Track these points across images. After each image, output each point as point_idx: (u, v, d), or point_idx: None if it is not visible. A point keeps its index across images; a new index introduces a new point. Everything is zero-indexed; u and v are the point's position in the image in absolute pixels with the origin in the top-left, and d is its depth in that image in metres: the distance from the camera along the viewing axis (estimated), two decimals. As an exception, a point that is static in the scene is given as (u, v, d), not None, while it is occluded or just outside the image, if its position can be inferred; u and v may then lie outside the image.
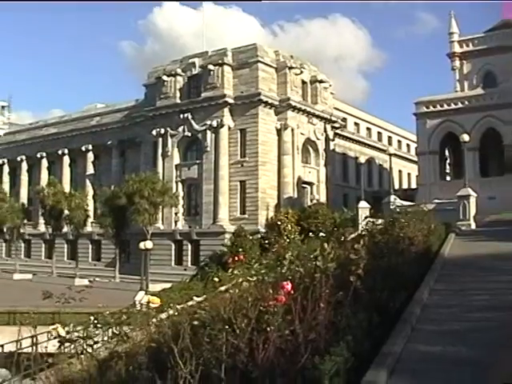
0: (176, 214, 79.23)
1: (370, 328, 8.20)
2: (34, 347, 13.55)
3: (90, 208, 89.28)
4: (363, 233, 12.36)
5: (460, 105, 66.46)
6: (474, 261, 21.34)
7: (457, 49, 73.32)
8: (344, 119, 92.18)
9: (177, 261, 78.15)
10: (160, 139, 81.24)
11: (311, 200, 77.63)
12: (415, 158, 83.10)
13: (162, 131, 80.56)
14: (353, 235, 13.38)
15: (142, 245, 62.56)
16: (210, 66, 76.68)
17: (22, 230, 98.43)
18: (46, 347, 12.55)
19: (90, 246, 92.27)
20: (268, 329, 6.99)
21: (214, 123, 75.56)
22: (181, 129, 79.35)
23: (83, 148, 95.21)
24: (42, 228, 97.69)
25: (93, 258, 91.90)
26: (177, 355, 6.90)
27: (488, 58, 70.70)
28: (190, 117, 78.05)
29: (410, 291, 12.36)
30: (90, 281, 73.71)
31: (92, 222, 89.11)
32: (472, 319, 11.33)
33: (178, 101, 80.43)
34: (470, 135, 55.89)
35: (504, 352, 8.73)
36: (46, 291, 9.01)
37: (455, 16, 74.70)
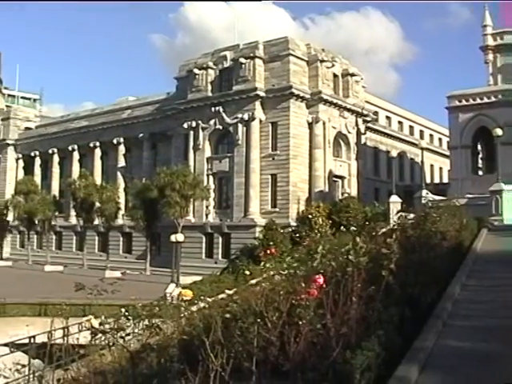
0: (207, 206, 79.35)
1: (402, 323, 8.17)
2: (66, 338, 13.59)
3: (122, 200, 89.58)
4: (395, 227, 12.27)
5: (493, 99, 65.82)
6: (507, 256, 21.12)
7: (490, 42, 72.30)
8: (375, 113, 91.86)
9: (207, 254, 78.26)
10: (191, 132, 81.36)
11: (342, 194, 77.46)
12: (447, 152, 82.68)
13: (194, 124, 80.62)
14: (384, 229, 13.29)
15: (173, 237, 62.63)
16: (242, 59, 76.67)
17: (53, 223, 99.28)
18: (77, 338, 12.64)
19: (121, 239, 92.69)
20: (300, 322, 6.98)
21: (246, 116, 75.58)
22: (212, 122, 79.42)
23: (115, 141, 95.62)
24: (73, 220, 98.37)
25: (124, 251, 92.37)
26: (208, 348, 6.91)
27: (522, 51, 70.00)
28: (221, 110, 78.09)
29: (442, 286, 12.29)
30: (122, 273, 74.12)
31: (123, 215, 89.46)
32: (504, 315, 11.22)
33: (210, 94, 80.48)
34: (503, 129, 55.32)
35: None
36: (78, 283, 9.04)
37: (489, 9, 73.91)
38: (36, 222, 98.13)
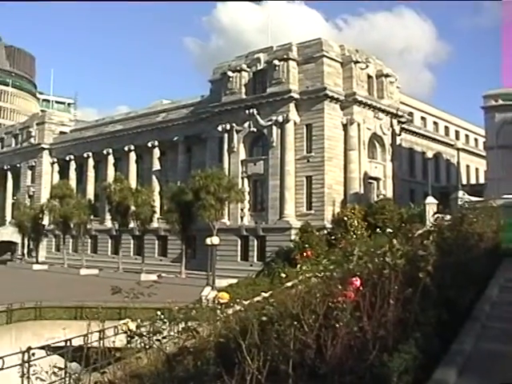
0: (242, 209, 79.47)
1: (439, 325, 8.11)
2: (102, 341, 13.71)
3: (157, 204, 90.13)
4: (431, 229, 12.19)
5: (531, 98, 65.27)
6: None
7: (526, 39, 71.71)
8: (410, 113, 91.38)
9: (243, 256, 78.37)
10: (226, 135, 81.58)
11: (378, 195, 77.18)
12: (483, 153, 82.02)
13: (228, 127, 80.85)
14: (420, 231, 13.22)
15: (208, 240, 62.63)
16: (275, 62, 76.72)
17: (88, 226, 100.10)
18: (113, 341, 12.71)
19: (157, 242, 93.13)
20: (336, 325, 6.95)
21: (280, 118, 75.59)
22: (246, 124, 79.56)
23: (149, 144, 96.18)
24: (108, 224, 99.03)
25: (159, 254, 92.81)
26: (245, 351, 6.90)
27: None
28: (255, 112, 78.24)
29: (479, 288, 12.19)
30: (158, 276, 74.37)
31: (158, 218, 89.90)
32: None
33: (244, 96, 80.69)
34: (541, 129, 54.79)
35: None
36: (115, 286, 9.09)
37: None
38: (71, 225, 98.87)
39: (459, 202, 46.14)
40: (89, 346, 11.06)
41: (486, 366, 7.94)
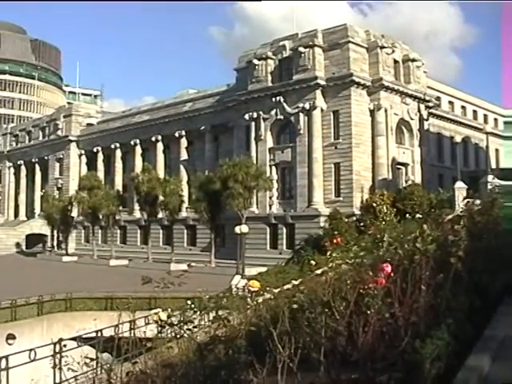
0: (270, 197, 79.33)
1: (471, 311, 8.04)
2: (133, 332, 13.76)
3: (185, 193, 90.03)
4: (462, 213, 12.10)
5: (559, 79, 64.49)
6: None
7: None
8: (438, 98, 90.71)
9: (272, 244, 78.21)
10: (252, 123, 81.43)
11: (406, 181, 76.83)
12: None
13: (255, 115, 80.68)
14: (450, 216, 13.12)
15: (237, 229, 62.81)
16: (301, 49, 76.35)
17: (117, 217, 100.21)
18: (144, 332, 12.78)
19: (185, 231, 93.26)
20: (367, 312, 6.93)
21: (307, 105, 75.29)
22: (273, 112, 79.30)
23: (176, 134, 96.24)
24: (137, 214, 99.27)
25: (188, 243, 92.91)
26: (276, 339, 6.90)
27: None
28: (282, 100, 77.94)
29: (511, 274, 12.08)
30: (188, 265, 74.47)
31: (187, 208, 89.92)
32: None
33: (270, 84, 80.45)
34: None
35: None
36: (145, 276, 9.11)
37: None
38: (100, 216, 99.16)
39: (489, 187, 45.96)
40: (120, 336, 11.11)
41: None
